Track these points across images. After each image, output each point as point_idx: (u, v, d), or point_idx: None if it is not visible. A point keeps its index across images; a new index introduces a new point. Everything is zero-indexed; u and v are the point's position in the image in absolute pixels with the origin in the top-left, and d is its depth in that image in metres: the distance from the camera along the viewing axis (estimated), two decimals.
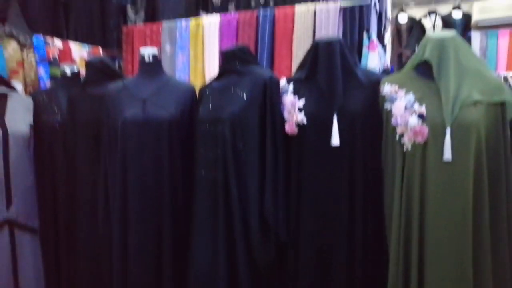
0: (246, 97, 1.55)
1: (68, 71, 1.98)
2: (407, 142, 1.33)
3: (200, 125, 1.61)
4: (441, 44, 1.32)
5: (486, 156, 1.29)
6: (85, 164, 1.80)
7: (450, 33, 1.35)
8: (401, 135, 1.35)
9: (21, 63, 2.03)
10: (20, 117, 1.82)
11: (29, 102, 1.89)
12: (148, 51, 1.72)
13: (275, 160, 1.55)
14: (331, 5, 2.05)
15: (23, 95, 1.95)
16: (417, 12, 5.94)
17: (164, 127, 1.61)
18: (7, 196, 1.74)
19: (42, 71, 2.09)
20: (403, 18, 5.80)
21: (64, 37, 2.38)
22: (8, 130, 1.73)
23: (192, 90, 1.76)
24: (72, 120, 1.83)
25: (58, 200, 1.86)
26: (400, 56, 5.66)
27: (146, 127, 1.60)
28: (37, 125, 1.87)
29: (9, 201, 1.74)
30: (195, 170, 1.63)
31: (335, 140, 1.44)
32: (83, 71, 2.07)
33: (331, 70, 1.46)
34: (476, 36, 5.45)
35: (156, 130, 1.61)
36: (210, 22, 2.36)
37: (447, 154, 1.25)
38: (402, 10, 5.84)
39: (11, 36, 1.98)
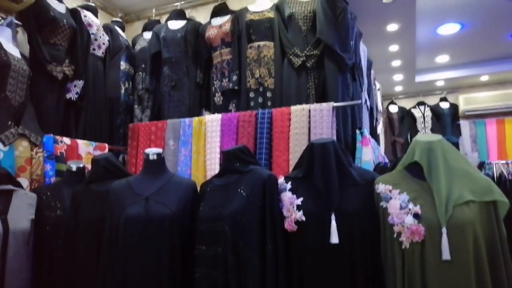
0: (246, 195, 1.59)
1: (73, 167, 2.05)
2: (405, 241, 1.35)
3: (201, 222, 1.63)
4: (429, 147, 1.41)
5: (486, 253, 1.30)
6: (85, 261, 1.77)
7: (437, 136, 1.45)
8: (399, 234, 1.37)
9: (30, 160, 2.11)
10: (22, 213, 1.84)
11: (33, 197, 1.93)
12: (152, 151, 1.81)
13: (275, 258, 1.54)
14: (324, 105, 2.20)
15: (28, 191, 1.99)
16: (407, 103, 6.33)
17: (165, 224, 1.62)
18: None
19: (48, 167, 2.16)
20: (394, 109, 6.15)
21: (73, 135, 2.51)
22: (10, 227, 1.74)
23: (194, 187, 1.81)
24: (75, 216, 1.85)
25: None
26: (393, 143, 5.87)
27: (148, 224, 1.62)
28: (39, 221, 1.88)
29: None
30: (195, 267, 1.61)
31: (334, 239, 1.45)
32: (89, 166, 2.15)
33: (327, 170, 1.53)
34: (465, 125, 5.72)
35: (157, 227, 1.62)
36: (213, 119, 2.51)
37: (446, 254, 1.27)
38: (392, 102, 6.22)
39: (23, 136, 2.10)
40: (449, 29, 4.59)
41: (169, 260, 1.60)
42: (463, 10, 4.13)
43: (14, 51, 2.24)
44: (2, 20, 2.38)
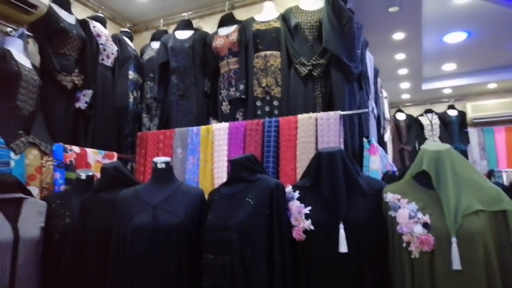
0: (254, 204, 1.59)
1: (83, 175, 2.07)
2: (414, 250, 1.34)
3: (208, 232, 1.63)
4: (437, 156, 1.40)
5: (497, 263, 1.28)
6: (93, 269, 1.78)
7: (445, 145, 1.45)
8: (408, 243, 1.36)
9: (40, 168, 2.14)
10: (32, 221, 1.85)
11: (42, 205, 1.95)
12: (161, 159, 1.82)
13: (283, 267, 1.53)
14: (331, 114, 2.21)
15: (38, 199, 2.01)
16: (414, 111, 6.31)
17: (173, 232, 1.63)
18: None
19: (58, 175, 2.19)
20: (401, 116, 6.13)
21: (82, 144, 2.54)
22: (20, 235, 1.76)
23: (201, 195, 1.82)
24: (83, 224, 1.87)
25: None
26: (401, 151, 5.84)
27: (156, 233, 1.62)
28: (48, 229, 1.90)
29: None
30: (203, 276, 1.61)
31: (343, 248, 1.44)
32: (98, 175, 2.17)
33: (334, 180, 1.53)
34: (473, 132, 5.68)
35: (165, 235, 1.62)
36: (220, 128, 2.53)
37: (456, 264, 1.25)
38: (399, 109, 6.20)
39: (33, 144, 2.13)
40: (456, 37, 4.60)
41: (176, 268, 1.60)
42: (470, 19, 4.13)
43: (25, 61, 2.29)
44: (13, 32, 2.43)
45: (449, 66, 5.56)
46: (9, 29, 2.44)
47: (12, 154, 2.00)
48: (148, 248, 1.60)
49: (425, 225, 1.33)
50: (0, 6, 2.34)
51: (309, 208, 1.55)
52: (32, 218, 1.86)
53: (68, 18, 2.69)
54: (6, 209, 1.78)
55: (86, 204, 1.91)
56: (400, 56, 4.73)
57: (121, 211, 1.74)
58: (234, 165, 1.74)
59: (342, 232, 1.45)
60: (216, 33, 3.02)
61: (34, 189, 2.08)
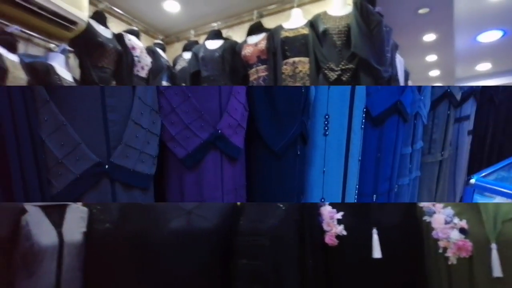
0: (285, 209, 1.61)
1: None
2: (451, 256, 1.32)
3: (241, 236, 1.66)
4: None
5: None
6: (130, 273, 1.84)
7: None
8: (444, 249, 1.34)
9: None
10: (75, 227, 1.94)
11: (84, 211, 2.04)
12: None
13: (315, 273, 1.54)
14: None
15: (80, 205, 2.11)
16: None
17: (205, 237, 1.67)
18: None
19: None
20: None
21: None
22: (64, 240, 1.85)
23: None
24: (121, 229, 1.94)
25: None
26: None
27: (189, 238, 1.67)
28: (89, 234, 1.99)
29: None
30: (235, 281, 1.63)
31: (377, 254, 1.43)
32: None
33: None
34: None
35: (198, 240, 1.67)
36: None
37: (497, 271, 1.22)
38: None
39: None
40: (490, 36, 4.45)
41: (209, 273, 1.64)
42: (505, 17, 3.99)
43: (67, 75, 2.42)
44: (56, 47, 2.58)
45: (484, 66, 5.38)
46: (52, 45, 2.60)
47: None
48: (182, 253, 1.65)
49: (462, 231, 1.30)
50: (43, 24, 2.49)
51: (341, 213, 1.55)
52: (75, 224, 1.95)
53: (105, 33, 2.82)
54: (51, 215, 1.89)
55: (124, 209, 1.98)
56: (431, 58, 4.63)
57: (157, 216, 1.80)
58: None
59: (375, 237, 1.44)
60: (245, 41, 3.08)
61: None
